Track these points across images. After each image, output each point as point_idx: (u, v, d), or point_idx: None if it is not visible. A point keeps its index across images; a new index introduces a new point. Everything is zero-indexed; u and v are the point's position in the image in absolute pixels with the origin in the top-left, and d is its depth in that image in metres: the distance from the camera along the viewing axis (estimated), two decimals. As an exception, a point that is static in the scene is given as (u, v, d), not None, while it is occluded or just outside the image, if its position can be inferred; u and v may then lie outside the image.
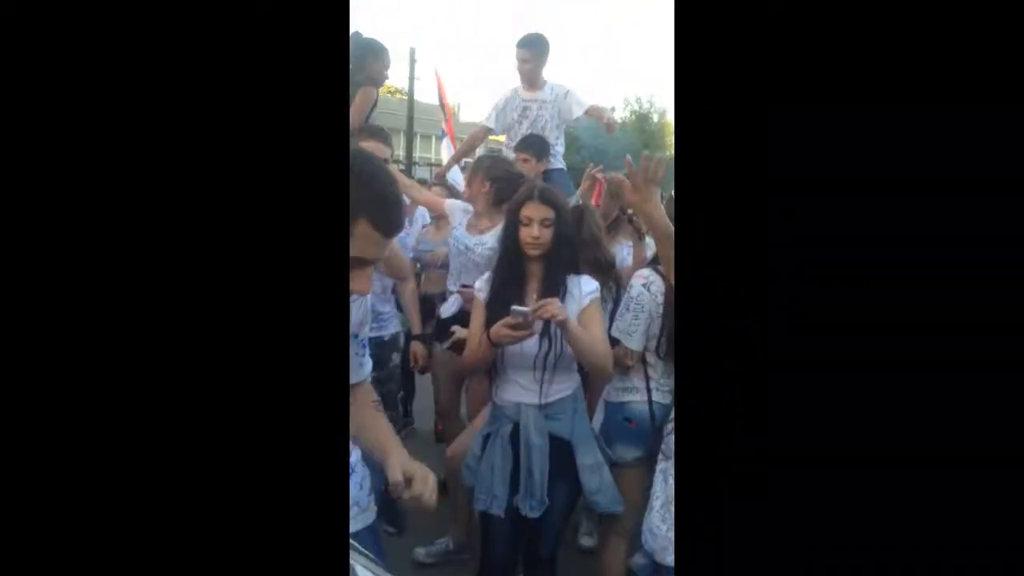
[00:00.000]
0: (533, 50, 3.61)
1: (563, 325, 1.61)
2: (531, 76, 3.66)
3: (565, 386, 1.76)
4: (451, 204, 2.77)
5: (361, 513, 1.29)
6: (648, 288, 1.89)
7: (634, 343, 1.88)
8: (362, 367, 1.40)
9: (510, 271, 1.77)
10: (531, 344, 1.69)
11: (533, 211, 1.75)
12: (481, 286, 1.85)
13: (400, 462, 1.20)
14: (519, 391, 1.73)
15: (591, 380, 2.00)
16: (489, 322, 1.70)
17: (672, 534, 1.36)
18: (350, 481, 1.27)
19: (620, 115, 28.43)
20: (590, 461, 1.71)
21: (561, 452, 1.70)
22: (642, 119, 31.56)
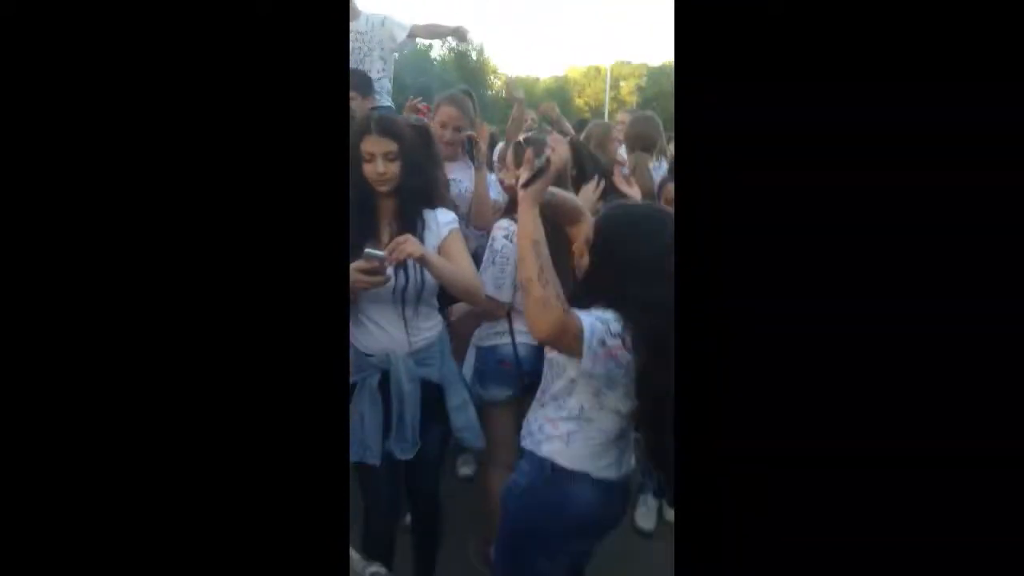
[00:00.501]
0: None
1: (423, 261, 1.56)
2: None
3: (431, 325, 1.72)
4: None
5: None
6: (510, 239, 1.85)
7: (504, 295, 1.86)
8: None
9: (359, 212, 1.67)
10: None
11: (373, 145, 1.63)
12: None
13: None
14: (384, 337, 1.67)
15: (455, 323, 1.99)
16: None
17: (555, 431, 1.39)
18: None
19: (438, 52, 28.25)
20: (457, 401, 1.71)
21: (431, 395, 1.67)
22: (461, 56, 31.30)
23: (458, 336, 2.07)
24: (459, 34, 3.70)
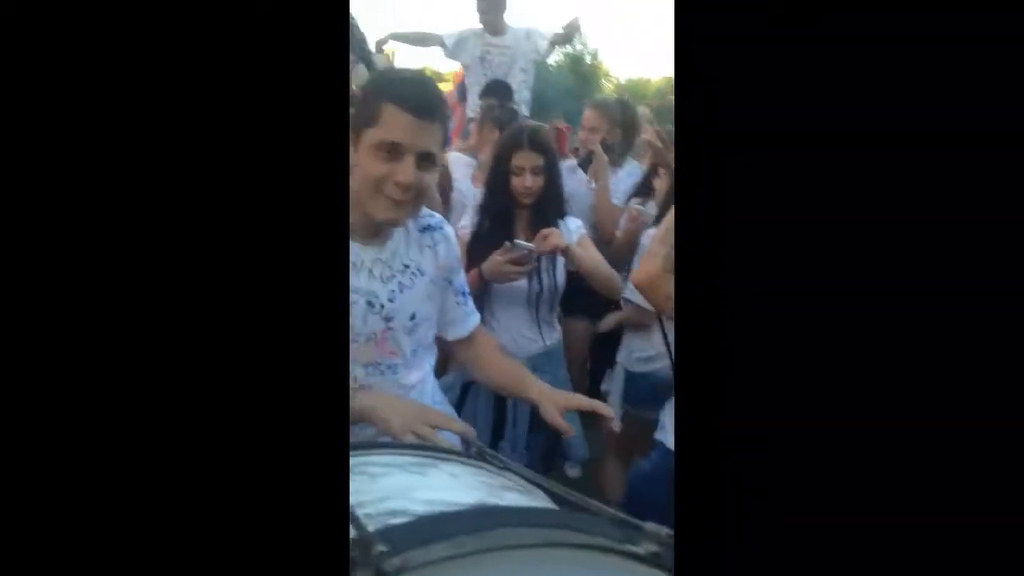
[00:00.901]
0: (490, 1, 3.62)
1: (567, 253, 1.59)
2: (493, 24, 3.64)
3: (555, 331, 1.75)
4: (454, 157, 2.67)
5: None
6: None
7: (640, 299, 1.84)
8: (469, 316, 1.35)
9: (496, 216, 1.73)
10: (522, 282, 1.66)
11: (524, 160, 1.69)
12: (465, 224, 1.81)
13: (552, 402, 1.21)
14: (518, 339, 1.71)
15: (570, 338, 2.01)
16: (471, 262, 1.65)
17: None
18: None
19: (553, 58, 28.36)
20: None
21: None
22: (575, 61, 31.33)
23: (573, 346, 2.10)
24: (572, 26, 3.84)
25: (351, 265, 1.17)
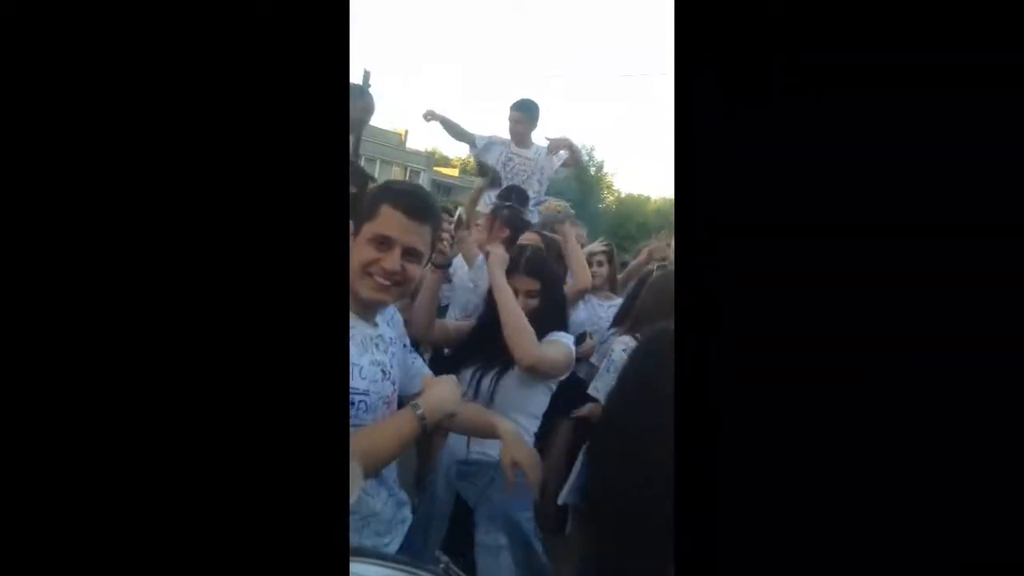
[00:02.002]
0: (526, 113, 3.89)
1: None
2: (521, 137, 3.91)
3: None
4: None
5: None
6: (626, 352, 2.05)
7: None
8: (422, 367, 1.54)
9: (490, 329, 1.82)
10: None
11: (519, 283, 1.79)
12: (462, 313, 1.92)
13: (516, 445, 1.36)
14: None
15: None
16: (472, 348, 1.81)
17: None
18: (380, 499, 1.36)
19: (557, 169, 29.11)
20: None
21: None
22: (580, 171, 32.14)
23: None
24: (574, 158, 4.13)
25: (365, 340, 1.33)
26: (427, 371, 1.54)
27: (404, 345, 1.50)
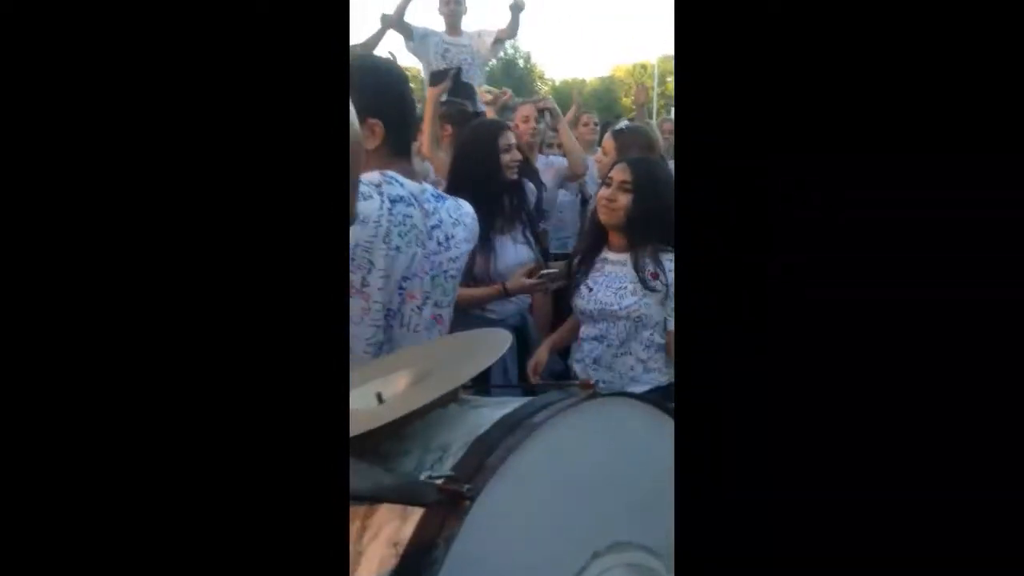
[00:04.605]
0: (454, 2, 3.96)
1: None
2: (452, 20, 3.98)
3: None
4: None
5: None
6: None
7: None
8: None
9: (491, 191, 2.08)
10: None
11: (509, 139, 2.02)
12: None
13: None
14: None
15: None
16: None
17: None
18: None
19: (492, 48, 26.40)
20: None
21: None
22: (508, 64, 34.25)
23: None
24: (517, 6, 4.12)
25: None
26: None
27: None
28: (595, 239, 1.89)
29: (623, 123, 3.06)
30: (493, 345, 0.90)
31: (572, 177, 3.08)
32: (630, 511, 0.83)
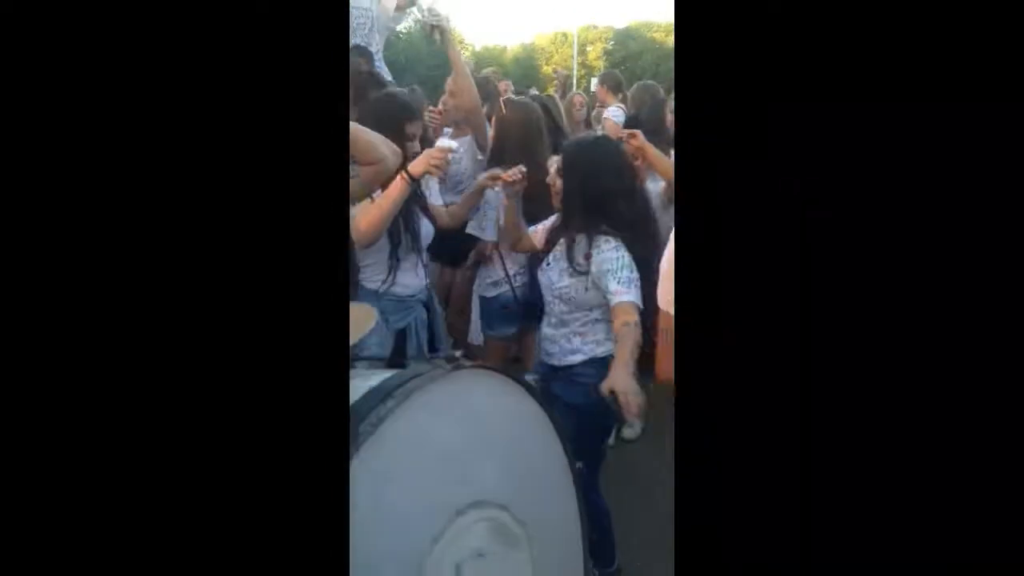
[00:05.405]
0: None
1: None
2: None
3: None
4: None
5: None
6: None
7: (488, 235, 2.25)
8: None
9: None
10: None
11: (415, 128, 1.87)
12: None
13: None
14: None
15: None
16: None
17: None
18: None
19: (405, 25, 25.04)
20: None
21: None
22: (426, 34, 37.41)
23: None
24: None
25: None
26: None
27: None
28: (559, 219, 1.93)
29: (510, 95, 2.97)
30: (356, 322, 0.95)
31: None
32: (489, 473, 0.91)
